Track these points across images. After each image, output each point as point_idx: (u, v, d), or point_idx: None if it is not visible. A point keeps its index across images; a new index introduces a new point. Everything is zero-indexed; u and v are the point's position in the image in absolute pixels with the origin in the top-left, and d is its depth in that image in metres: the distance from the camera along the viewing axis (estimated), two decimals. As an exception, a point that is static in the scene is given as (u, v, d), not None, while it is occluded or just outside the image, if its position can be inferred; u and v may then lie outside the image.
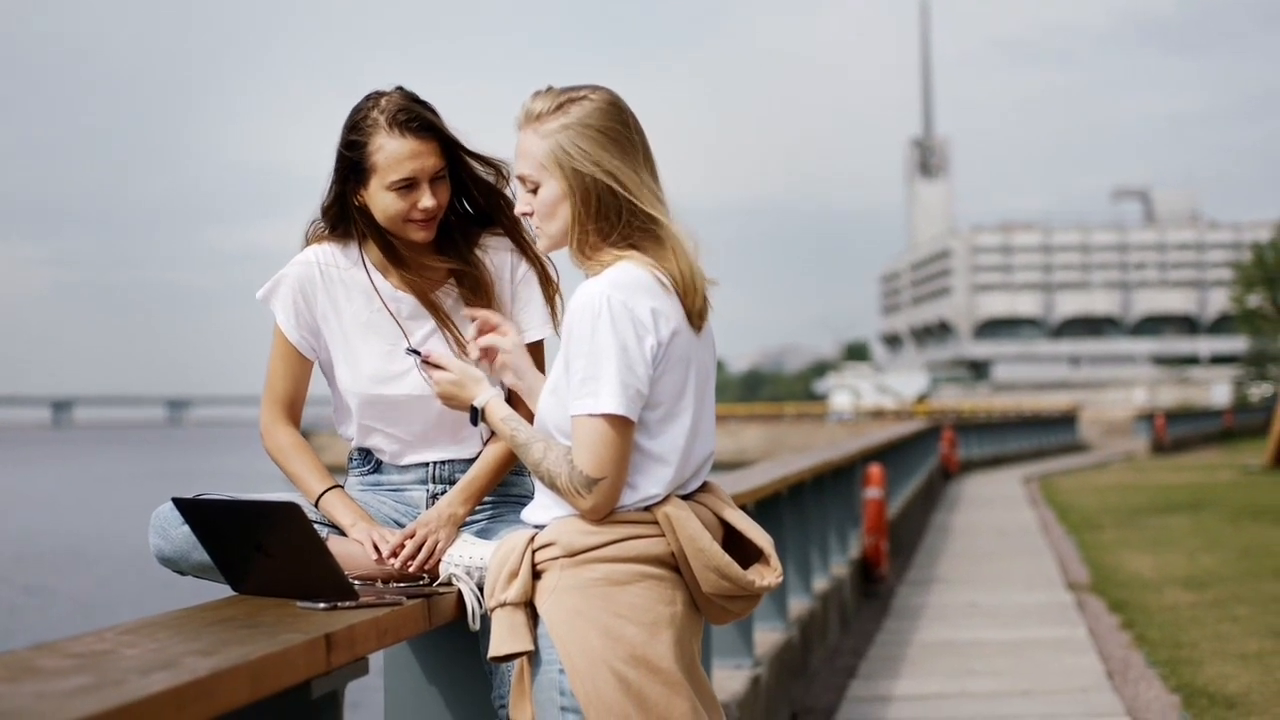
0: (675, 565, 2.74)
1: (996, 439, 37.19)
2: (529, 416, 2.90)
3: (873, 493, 11.79)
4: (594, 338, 2.66)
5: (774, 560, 2.82)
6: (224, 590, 2.93)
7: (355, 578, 2.96)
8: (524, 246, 3.26)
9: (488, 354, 3.04)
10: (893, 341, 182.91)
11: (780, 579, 2.82)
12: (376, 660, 2.72)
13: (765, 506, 6.79)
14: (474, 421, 2.89)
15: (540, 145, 2.75)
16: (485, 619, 2.89)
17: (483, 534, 3.17)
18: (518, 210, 2.84)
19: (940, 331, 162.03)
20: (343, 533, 3.09)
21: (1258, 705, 6.82)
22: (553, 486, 2.72)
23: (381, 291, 3.23)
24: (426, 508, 3.24)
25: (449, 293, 3.25)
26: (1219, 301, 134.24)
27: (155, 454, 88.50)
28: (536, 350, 3.26)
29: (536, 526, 2.79)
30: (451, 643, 3.21)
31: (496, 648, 2.74)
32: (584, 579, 2.69)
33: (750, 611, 2.85)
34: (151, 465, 67.98)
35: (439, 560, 3.03)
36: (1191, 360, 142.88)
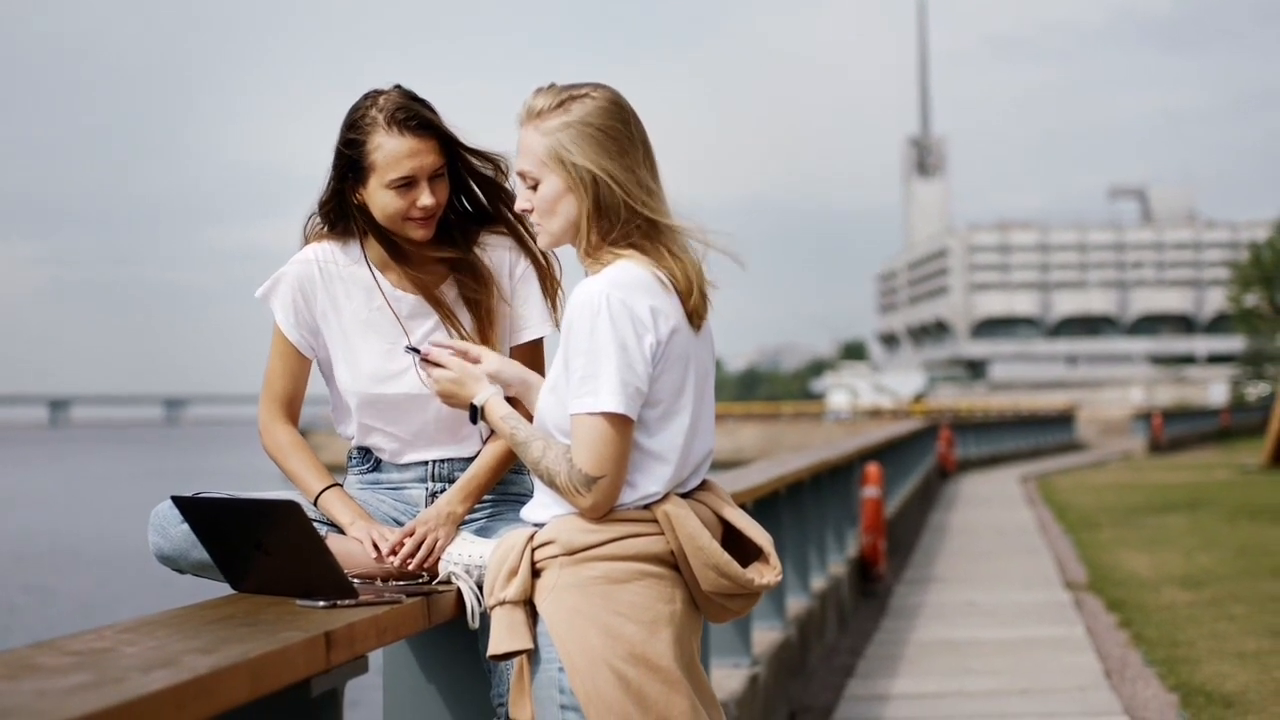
0: (675, 563, 2.74)
1: (994, 438, 37.22)
2: (528, 416, 2.90)
3: (870, 492, 11.80)
4: (593, 336, 2.66)
5: (773, 558, 2.82)
6: (223, 588, 2.93)
7: (354, 576, 2.96)
8: (524, 241, 3.26)
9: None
10: (890, 341, 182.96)
11: (780, 577, 2.82)
12: (376, 658, 2.72)
13: (763, 506, 6.79)
14: (473, 420, 2.89)
15: (541, 142, 2.75)
16: (485, 617, 2.89)
17: (482, 532, 3.17)
18: (518, 207, 2.84)
19: (937, 331, 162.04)
20: (342, 531, 3.09)
21: (1255, 704, 6.82)
22: (552, 485, 2.72)
23: (383, 289, 3.23)
24: (426, 506, 3.24)
25: (451, 288, 3.25)
26: (1216, 301, 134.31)
27: (153, 453, 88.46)
28: (535, 348, 3.26)
29: (536, 525, 2.79)
30: (451, 641, 3.21)
31: (496, 646, 2.73)
32: (583, 577, 2.69)
33: (749, 610, 2.85)
34: (149, 464, 67.93)
35: (438, 558, 3.02)
36: (1188, 359, 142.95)
